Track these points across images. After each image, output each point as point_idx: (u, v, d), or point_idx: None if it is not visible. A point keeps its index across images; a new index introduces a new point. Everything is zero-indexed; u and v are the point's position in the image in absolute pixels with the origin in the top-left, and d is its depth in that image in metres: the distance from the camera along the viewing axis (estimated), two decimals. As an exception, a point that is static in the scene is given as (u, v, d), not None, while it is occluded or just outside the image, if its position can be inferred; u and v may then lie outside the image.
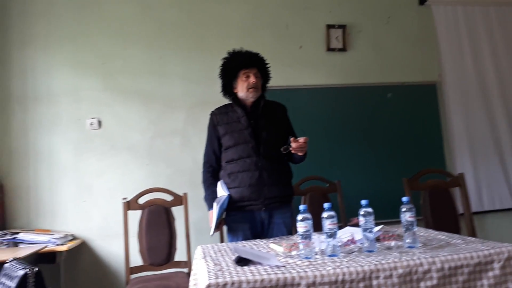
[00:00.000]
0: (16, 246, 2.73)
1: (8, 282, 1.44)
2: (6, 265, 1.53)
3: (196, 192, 2.97)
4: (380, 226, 1.97)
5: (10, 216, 3.02)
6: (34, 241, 2.75)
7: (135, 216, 2.84)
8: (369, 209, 1.64)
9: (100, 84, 3.22)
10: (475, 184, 3.57)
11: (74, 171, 3.13)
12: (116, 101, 3.23)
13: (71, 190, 3.11)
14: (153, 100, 3.28)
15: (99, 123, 3.20)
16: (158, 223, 2.84)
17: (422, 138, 3.57)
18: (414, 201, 1.71)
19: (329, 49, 3.54)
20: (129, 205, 2.85)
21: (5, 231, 2.80)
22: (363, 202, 1.65)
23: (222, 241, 2.87)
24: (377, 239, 1.75)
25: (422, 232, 2.01)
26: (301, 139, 2.08)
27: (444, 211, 2.91)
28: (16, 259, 1.57)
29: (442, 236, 1.88)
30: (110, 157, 3.18)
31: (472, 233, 2.88)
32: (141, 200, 2.88)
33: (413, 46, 3.69)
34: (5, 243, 2.73)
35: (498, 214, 3.64)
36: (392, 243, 1.70)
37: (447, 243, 1.70)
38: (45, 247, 2.66)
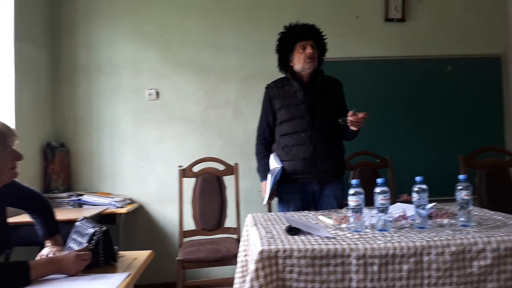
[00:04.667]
0: (81, 207, 2.97)
1: (79, 239, 1.58)
2: (77, 223, 1.67)
3: (246, 163, 3.07)
4: (433, 204, 1.94)
5: (75, 179, 3.26)
6: (96, 203, 2.96)
7: (189, 183, 2.98)
8: (424, 186, 1.62)
9: (159, 56, 3.33)
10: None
11: (133, 138, 3.30)
12: (173, 72, 3.33)
13: (130, 156, 3.30)
14: (208, 71, 3.35)
15: (157, 93, 3.33)
16: (210, 190, 2.97)
17: (482, 115, 3.41)
18: (469, 179, 1.67)
19: (387, 19, 3.41)
20: (184, 172, 2.98)
21: (71, 193, 3.04)
22: (418, 178, 1.63)
23: (270, 210, 2.95)
24: (429, 216, 1.73)
25: (476, 212, 1.96)
26: (360, 114, 2.06)
27: (501, 191, 2.79)
28: (85, 218, 1.70)
29: (498, 216, 1.83)
30: (167, 126, 3.32)
31: (531, 216, 2.75)
32: (195, 169, 3.00)
33: (478, 16, 3.46)
34: (71, 204, 2.98)
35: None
36: (445, 220, 1.68)
37: (504, 224, 1.65)
38: (107, 209, 2.87)
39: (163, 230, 3.29)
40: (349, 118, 2.06)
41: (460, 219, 1.64)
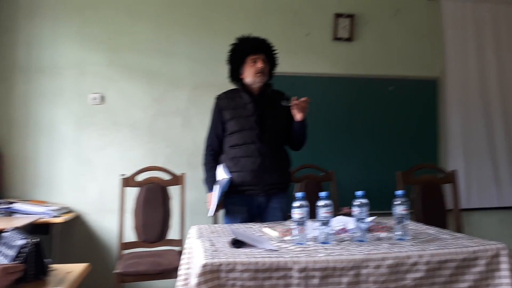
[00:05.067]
0: (11, 215, 2.77)
1: (7, 251, 1.46)
2: (5, 234, 1.55)
3: (193, 173, 3.02)
4: (373, 217, 2.01)
5: (7, 185, 3.04)
6: (29, 212, 2.77)
7: (131, 193, 2.88)
8: (364, 200, 1.68)
9: (106, 59, 3.21)
10: (465, 182, 3.62)
11: (74, 144, 3.14)
12: (120, 77, 3.22)
13: (70, 163, 3.13)
14: (158, 78, 3.28)
15: (102, 98, 3.20)
16: (154, 201, 2.88)
17: (419, 133, 3.61)
18: (406, 195, 1.75)
19: (336, 38, 3.53)
20: (127, 181, 2.88)
21: (1, 200, 2.83)
22: (359, 192, 1.69)
23: (216, 222, 2.92)
24: (368, 230, 1.79)
25: (412, 226, 2.06)
26: (303, 98, 2.14)
27: (434, 206, 2.96)
28: (16, 228, 1.59)
29: (431, 230, 1.93)
30: (111, 133, 3.20)
31: (459, 229, 2.94)
32: (139, 178, 2.91)
33: (418, 41, 3.69)
34: (0, 212, 2.76)
35: (485, 212, 3.70)
36: (383, 234, 1.74)
37: (436, 238, 1.75)
38: (41, 218, 2.70)
39: (101, 242, 3.15)
40: (293, 101, 2.13)
41: (397, 232, 1.71)
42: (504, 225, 3.75)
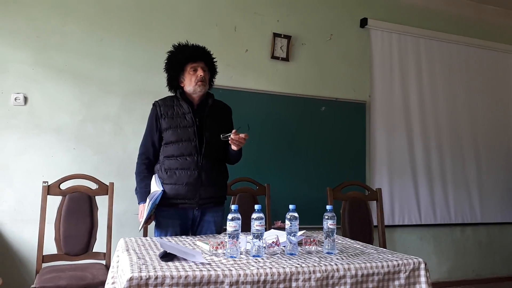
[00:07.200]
0: None
1: None
2: None
3: (123, 183, 2.89)
4: (303, 231, 2.06)
5: None
6: None
7: (54, 202, 2.68)
8: (295, 214, 1.72)
9: (32, 58, 2.99)
10: (389, 199, 3.87)
11: (-12, 147, 2.88)
12: (47, 78, 3.02)
13: (-17, 167, 2.85)
14: (88, 82, 3.11)
15: (25, 99, 2.97)
16: (79, 211, 2.70)
17: (348, 152, 3.80)
18: (334, 210, 1.82)
19: (273, 56, 3.63)
20: (49, 189, 2.67)
21: None
22: (291, 206, 1.72)
23: (146, 235, 2.81)
24: (299, 243, 1.83)
25: (339, 240, 2.14)
26: (242, 135, 2.10)
27: (360, 222, 3.10)
28: None
29: (357, 245, 2.02)
30: (33, 136, 2.97)
31: (383, 245, 3.11)
32: (64, 186, 2.72)
33: (350, 65, 3.91)
34: None
35: (406, 229, 3.98)
36: (313, 248, 1.79)
37: (362, 252, 1.83)
38: None
39: (19, 255, 2.89)
40: (232, 136, 2.10)
41: (326, 246, 1.77)
42: (423, 242, 4.05)
